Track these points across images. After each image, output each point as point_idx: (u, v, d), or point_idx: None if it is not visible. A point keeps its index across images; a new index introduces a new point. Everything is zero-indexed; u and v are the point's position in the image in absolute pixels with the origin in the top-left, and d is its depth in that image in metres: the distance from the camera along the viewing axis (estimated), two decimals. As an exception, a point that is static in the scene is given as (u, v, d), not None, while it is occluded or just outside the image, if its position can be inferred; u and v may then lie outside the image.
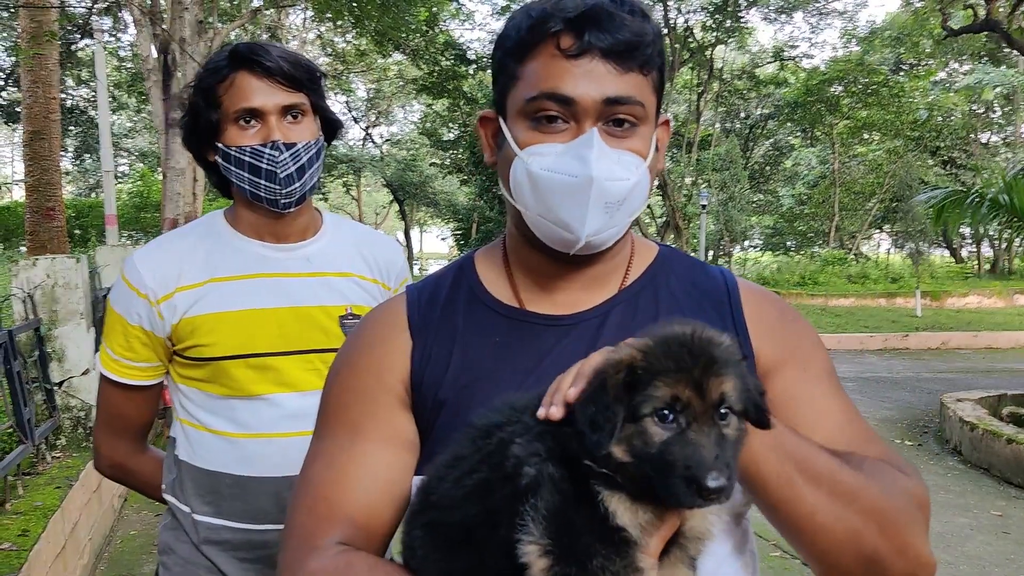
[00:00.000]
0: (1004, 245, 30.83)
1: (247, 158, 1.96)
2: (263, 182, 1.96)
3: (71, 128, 31.36)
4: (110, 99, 21.20)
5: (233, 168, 1.98)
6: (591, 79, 1.18)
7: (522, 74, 1.23)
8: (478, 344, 1.30)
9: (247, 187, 1.98)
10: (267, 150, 1.94)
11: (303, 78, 1.98)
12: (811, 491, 1.13)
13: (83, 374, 6.14)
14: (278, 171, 1.95)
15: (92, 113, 31.37)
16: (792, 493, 1.12)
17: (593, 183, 1.19)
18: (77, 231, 24.20)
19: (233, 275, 2.01)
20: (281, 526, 1.90)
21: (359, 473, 1.26)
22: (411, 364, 1.31)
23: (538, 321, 1.31)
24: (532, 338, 1.29)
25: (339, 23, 24.58)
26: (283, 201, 1.99)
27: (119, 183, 28.78)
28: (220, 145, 1.99)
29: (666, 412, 0.97)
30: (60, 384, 6.03)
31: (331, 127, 2.12)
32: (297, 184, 1.98)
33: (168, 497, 2.10)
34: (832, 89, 32.66)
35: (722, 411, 0.99)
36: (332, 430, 1.32)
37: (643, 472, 0.97)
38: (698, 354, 0.99)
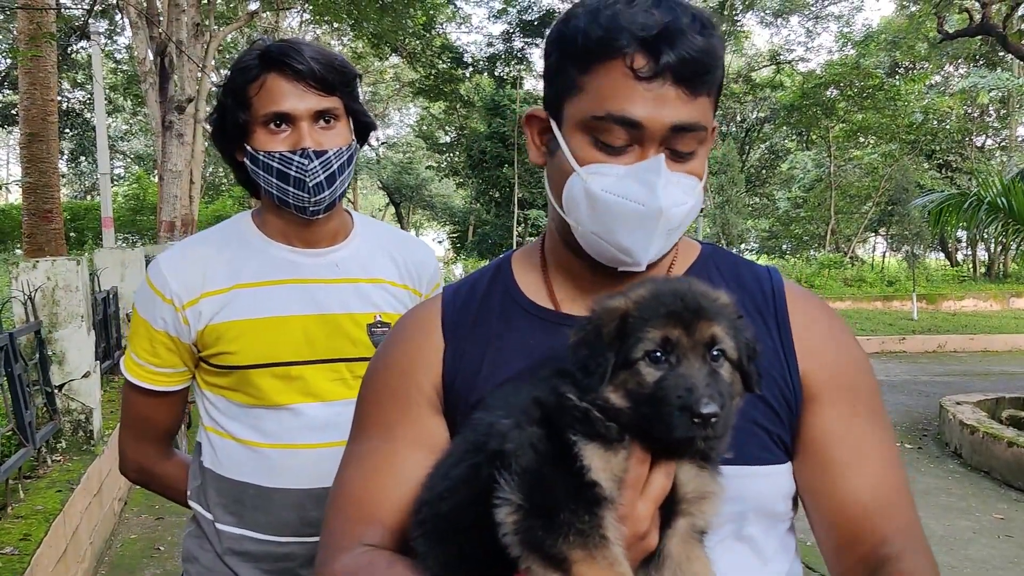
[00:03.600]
0: (1000, 249, 30.87)
1: (276, 164, 1.88)
2: (291, 189, 1.89)
3: (67, 131, 31.33)
4: (106, 101, 21.14)
5: (261, 172, 1.92)
6: (661, 104, 1.14)
7: (585, 85, 1.18)
8: (512, 347, 1.29)
9: (275, 192, 1.92)
10: (296, 157, 1.87)
11: (336, 81, 1.90)
12: None
13: (84, 377, 6.10)
14: (307, 179, 1.87)
15: (88, 116, 31.37)
16: None
17: (662, 214, 1.17)
18: (73, 234, 24.16)
19: (259, 281, 1.95)
20: (304, 539, 1.93)
21: (390, 476, 1.25)
22: (443, 366, 1.30)
23: (574, 324, 1.26)
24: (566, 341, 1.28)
25: (337, 26, 24.57)
26: (311, 208, 1.92)
27: (115, 186, 28.69)
28: (248, 147, 1.92)
29: (657, 353, 1.00)
30: (61, 387, 5.99)
31: (364, 129, 2.04)
32: (327, 192, 1.91)
33: (193, 504, 2.06)
34: (828, 93, 32.71)
35: (714, 352, 1.02)
36: (366, 432, 1.32)
37: (641, 415, 0.99)
38: (689, 301, 1.02)
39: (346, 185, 1.98)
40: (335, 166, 1.91)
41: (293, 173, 1.88)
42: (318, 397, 1.95)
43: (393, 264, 2.08)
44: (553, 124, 1.25)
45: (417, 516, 1.15)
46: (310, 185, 1.88)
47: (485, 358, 1.29)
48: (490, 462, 1.03)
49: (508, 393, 1.12)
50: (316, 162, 1.88)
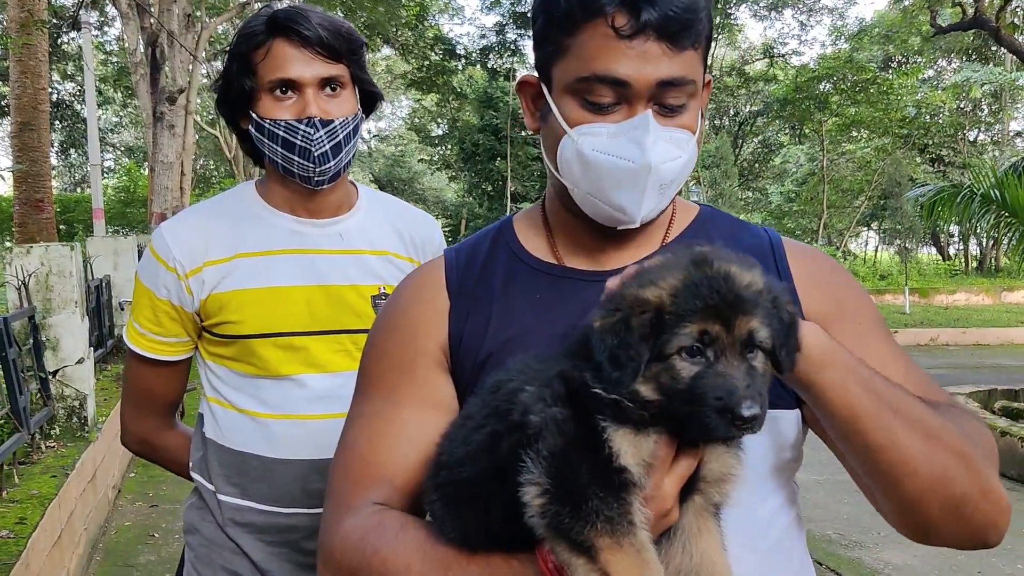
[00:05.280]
0: (991, 243, 31.00)
1: (281, 132, 1.86)
2: (296, 158, 1.87)
3: (56, 123, 31.17)
4: (96, 93, 21.02)
5: (266, 140, 1.90)
6: (645, 60, 1.16)
7: (570, 48, 1.20)
8: (519, 301, 1.30)
9: (279, 161, 1.90)
10: (302, 126, 1.85)
11: (343, 48, 1.88)
12: (906, 433, 1.11)
13: (78, 363, 6.07)
14: (312, 148, 1.85)
15: (78, 107, 31.24)
16: (887, 435, 1.10)
17: (651, 170, 1.18)
18: (63, 226, 24.03)
19: (261, 250, 1.94)
20: (307, 511, 1.91)
21: (395, 435, 1.26)
22: (449, 326, 1.31)
23: (579, 277, 1.31)
24: (573, 294, 1.29)
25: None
26: (316, 178, 1.90)
27: (105, 178, 28.57)
28: (254, 115, 1.90)
29: (694, 348, 0.97)
30: (55, 373, 5.95)
31: (370, 99, 2.02)
32: (332, 162, 1.89)
33: (194, 475, 2.05)
34: (821, 86, 32.74)
35: (752, 347, 0.99)
36: (370, 393, 1.32)
37: (673, 409, 0.97)
38: (725, 292, 0.99)
39: (351, 155, 1.97)
40: (341, 136, 1.89)
41: (299, 142, 1.86)
42: (321, 368, 1.93)
43: (398, 237, 2.06)
44: (544, 88, 1.27)
45: (435, 479, 1.14)
46: (316, 155, 1.86)
47: (492, 314, 1.30)
48: (511, 432, 1.01)
49: (530, 360, 1.10)
50: (322, 131, 1.86)
